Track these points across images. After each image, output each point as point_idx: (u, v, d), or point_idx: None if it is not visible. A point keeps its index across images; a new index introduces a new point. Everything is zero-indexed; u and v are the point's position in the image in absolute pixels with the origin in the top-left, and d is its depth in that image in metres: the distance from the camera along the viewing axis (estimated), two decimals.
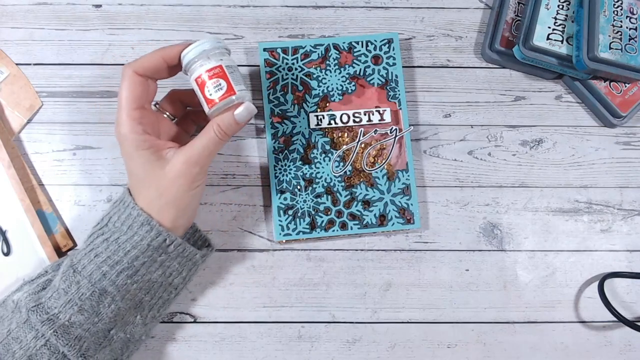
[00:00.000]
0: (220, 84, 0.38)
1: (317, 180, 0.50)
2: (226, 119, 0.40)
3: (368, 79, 0.51)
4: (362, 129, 0.50)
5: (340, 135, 0.51)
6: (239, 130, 0.41)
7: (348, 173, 0.50)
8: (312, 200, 0.49)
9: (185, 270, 0.42)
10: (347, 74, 0.51)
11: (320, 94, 0.51)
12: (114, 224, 0.39)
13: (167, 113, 0.44)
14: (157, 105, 0.44)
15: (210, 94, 0.38)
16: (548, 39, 0.49)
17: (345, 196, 0.50)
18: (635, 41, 0.48)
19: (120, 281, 0.38)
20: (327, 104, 0.51)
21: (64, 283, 0.38)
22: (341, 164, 0.50)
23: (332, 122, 0.50)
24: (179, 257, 0.41)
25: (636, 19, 0.49)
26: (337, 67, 0.51)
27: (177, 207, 0.39)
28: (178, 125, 0.46)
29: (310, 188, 0.50)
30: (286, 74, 0.51)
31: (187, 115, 0.48)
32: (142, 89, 0.39)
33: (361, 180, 0.50)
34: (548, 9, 0.50)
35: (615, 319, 0.48)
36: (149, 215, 0.38)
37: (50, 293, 0.38)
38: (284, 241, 0.49)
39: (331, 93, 0.51)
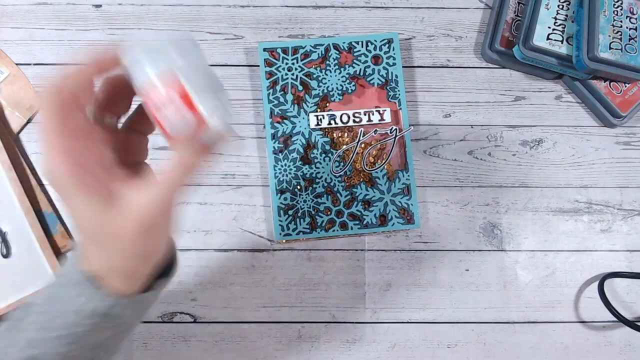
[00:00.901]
0: (185, 117, 0.24)
1: (317, 180, 0.50)
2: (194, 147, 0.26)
3: (368, 79, 0.51)
4: (362, 129, 0.50)
5: (340, 135, 0.51)
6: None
7: (348, 173, 0.50)
8: (312, 200, 0.49)
9: (143, 311, 0.32)
10: (347, 74, 0.51)
11: (320, 94, 0.51)
12: (59, 285, 0.29)
13: (108, 115, 0.28)
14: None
15: (172, 130, 0.24)
16: (548, 39, 0.49)
17: (346, 196, 0.50)
18: (635, 41, 0.48)
19: (63, 350, 0.28)
20: (327, 104, 0.51)
21: (2, 341, 0.29)
22: (341, 164, 0.50)
23: (332, 122, 0.50)
24: (133, 305, 0.30)
25: (636, 19, 0.49)
26: (337, 67, 0.51)
27: (146, 260, 0.28)
28: (126, 128, 0.30)
29: (310, 188, 0.50)
30: (286, 74, 0.51)
31: (140, 111, 0.30)
32: (75, 115, 0.27)
33: (361, 180, 0.50)
34: (548, 9, 0.50)
35: (615, 319, 0.48)
36: (93, 279, 0.27)
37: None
38: (284, 241, 0.49)
39: (331, 93, 0.51)
